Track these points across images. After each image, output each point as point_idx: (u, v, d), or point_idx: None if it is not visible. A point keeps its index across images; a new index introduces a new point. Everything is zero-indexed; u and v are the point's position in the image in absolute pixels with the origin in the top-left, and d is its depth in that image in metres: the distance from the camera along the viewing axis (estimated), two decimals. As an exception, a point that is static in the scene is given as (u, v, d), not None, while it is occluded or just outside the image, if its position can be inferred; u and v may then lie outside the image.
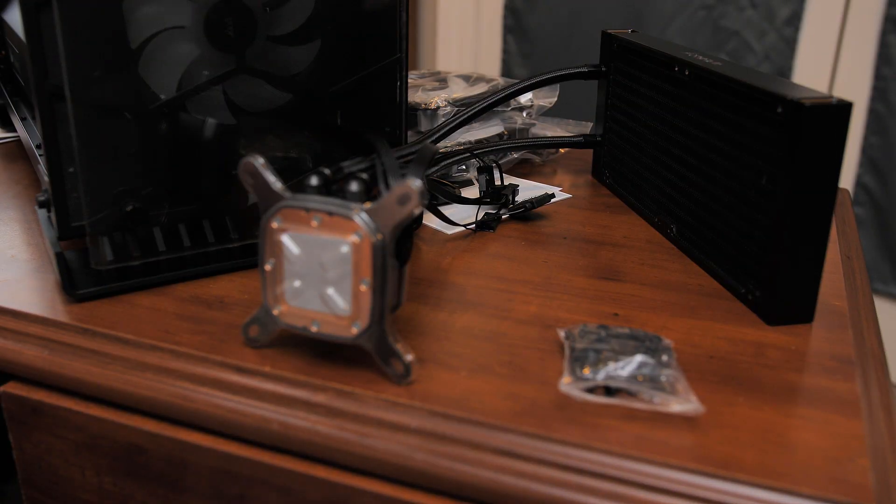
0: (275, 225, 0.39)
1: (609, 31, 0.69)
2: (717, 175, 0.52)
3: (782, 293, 0.46)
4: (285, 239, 0.39)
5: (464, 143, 0.74)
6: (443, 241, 0.59)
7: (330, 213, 0.38)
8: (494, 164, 0.64)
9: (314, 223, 0.39)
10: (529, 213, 0.65)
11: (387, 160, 0.42)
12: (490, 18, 2.01)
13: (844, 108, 0.43)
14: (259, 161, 0.39)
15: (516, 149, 0.74)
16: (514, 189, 0.64)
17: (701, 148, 0.54)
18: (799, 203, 0.44)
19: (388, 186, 0.42)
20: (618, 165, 0.69)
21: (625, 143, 0.67)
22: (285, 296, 0.40)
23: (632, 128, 0.65)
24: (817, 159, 0.43)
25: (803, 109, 0.42)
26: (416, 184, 0.37)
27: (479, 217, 0.62)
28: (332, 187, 0.41)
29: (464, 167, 0.72)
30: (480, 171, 0.64)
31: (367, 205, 0.38)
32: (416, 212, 0.37)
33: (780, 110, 0.45)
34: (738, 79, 0.49)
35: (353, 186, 0.39)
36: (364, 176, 0.40)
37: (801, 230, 0.45)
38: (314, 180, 0.40)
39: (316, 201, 0.39)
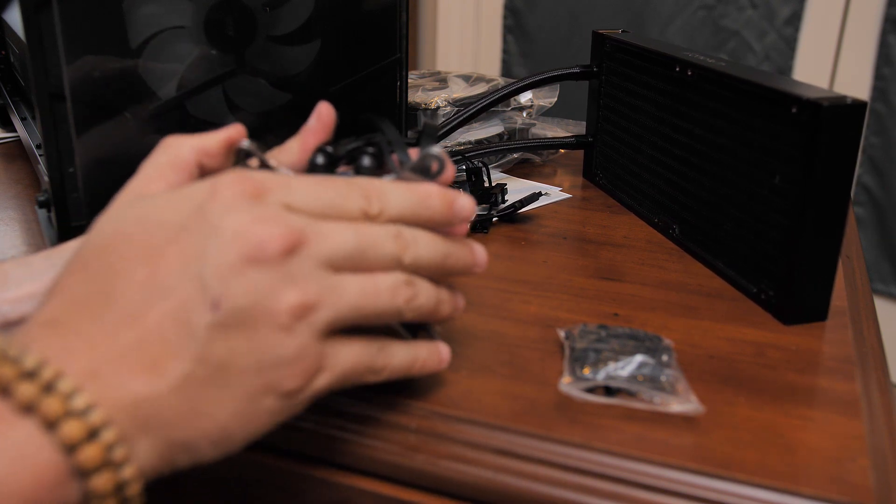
0: None
1: (600, 31, 0.69)
2: (725, 175, 0.52)
3: (798, 292, 0.46)
4: None
5: (464, 143, 0.74)
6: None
7: None
8: (481, 164, 0.64)
9: None
10: (528, 213, 0.64)
11: (392, 135, 0.40)
12: (490, 18, 2.01)
13: (859, 107, 0.43)
14: (253, 144, 0.37)
15: (509, 150, 0.75)
16: (502, 188, 0.64)
17: (705, 148, 0.54)
18: (816, 201, 0.44)
19: (397, 160, 0.39)
20: (612, 166, 0.69)
21: (619, 144, 0.67)
22: None
23: (627, 128, 0.65)
24: (833, 158, 0.44)
25: (821, 109, 0.42)
26: (437, 150, 0.35)
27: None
28: (336, 167, 0.39)
29: (463, 167, 0.72)
30: (468, 172, 0.63)
31: (386, 178, 0.36)
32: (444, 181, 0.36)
33: (794, 110, 0.45)
34: (747, 79, 0.49)
35: (366, 161, 0.37)
36: (371, 150, 0.38)
37: (817, 228, 0.45)
38: (319, 159, 0.38)
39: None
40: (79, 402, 0.26)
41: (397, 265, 0.33)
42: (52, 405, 0.25)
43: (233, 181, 0.30)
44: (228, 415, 0.29)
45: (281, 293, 0.29)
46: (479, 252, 0.37)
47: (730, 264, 0.52)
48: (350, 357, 0.33)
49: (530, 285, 0.52)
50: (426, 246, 0.34)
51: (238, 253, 0.29)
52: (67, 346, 0.27)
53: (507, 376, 0.41)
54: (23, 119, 0.69)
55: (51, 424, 0.25)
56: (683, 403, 0.38)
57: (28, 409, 0.26)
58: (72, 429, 0.26)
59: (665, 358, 0.40)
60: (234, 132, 0.37)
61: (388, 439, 0.37)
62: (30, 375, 0.26)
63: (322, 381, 0.31)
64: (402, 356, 0.35)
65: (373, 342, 0.34)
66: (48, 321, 0.28)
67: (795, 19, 1.67)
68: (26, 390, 0.25)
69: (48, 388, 0.26)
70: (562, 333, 0.44)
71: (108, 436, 0.26)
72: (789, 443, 0.36)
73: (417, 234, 0.34)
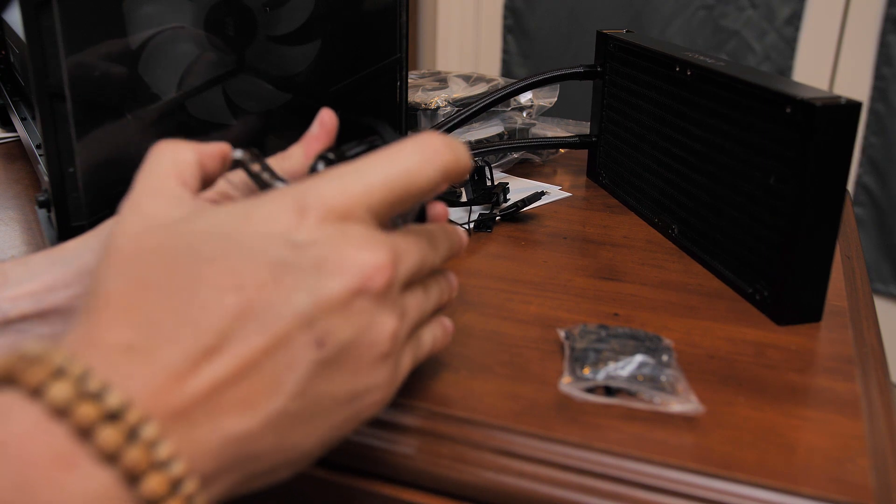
0: None
1: (604, 31, 0.69)
2: (722, 175, 0.52)
3: (792, 293, 0.46)
4: None
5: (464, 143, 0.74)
6: (443, 241, 0.59)
7: None
8: (484, 164, 0.63)
9: None
10: (528, 213, 0.64)
11: (391, 139, 0.41)
12: (490, 18, 2.01)
13: (854, 107, 0.43)
14: (245, 154, 0.36)
15: (513, 149, 0.75)
16: (504, 187, 0.64)
17: (704, 148, 0.54)
18: (809, 202, 0.44)
19: None
20: (614, 166, 0.69)
21: (622, 144, 0.67)
22: None
23: (629, 128, 0.65)
24: (827, 158, 0.43)
25: (815, 110, 0.42)
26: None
27: (473, 217, 0.62)
28: None
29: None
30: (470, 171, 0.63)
31: None
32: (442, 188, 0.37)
33: (789, 110, 0.45)
34: (744, 79, 0.49)
35: None
36: None
37: (811, 229, 0.45)
38: (321, 165, 0.37)
39: None
40: (163, 451, 0.23)
41: (432, 270, 0.34)
42: (136, 456, 0.23)
43: (316, 202, 0.28)
44: (314, 443, 0.29)
45: (382, 322, 0.29)
46: (461, 232, 0.38)
47: (725, 264, 0.52)
48: (407, 364, 0.33)
49: (530, 285, 0.52)
50: (443, 244, 0.36)
51: (345, 286, 0.28)
52: (152, 381, 0.24)
53: (507, 376, 0.41)
54: (23, 119, 0.69)
55: (133, 478, 0.23)
56: (683, 403, 0.38)
57: (110, 458, 0.23)
58: (155, 484, 0.23)
59: (665, 358, 0.40)
60: (225, 145, 0.36)
61: (389, 440, 0.37)
62: (113, 417, 0.23)
63: (390, 398, 0.32)
64: (426, 341, 0.36)
65: (411, 338, 0.34)
66: (125, 347, 0.25)
67: (795, 19, 1.67)
68: (110, 437, 0.23)
69: (132, 434, 0.23)
70: (562, 333, 0.44)
71: (189, 487, 0.24)
72: (789, 443, 0.36)
73: (436, 232, 0.35)
